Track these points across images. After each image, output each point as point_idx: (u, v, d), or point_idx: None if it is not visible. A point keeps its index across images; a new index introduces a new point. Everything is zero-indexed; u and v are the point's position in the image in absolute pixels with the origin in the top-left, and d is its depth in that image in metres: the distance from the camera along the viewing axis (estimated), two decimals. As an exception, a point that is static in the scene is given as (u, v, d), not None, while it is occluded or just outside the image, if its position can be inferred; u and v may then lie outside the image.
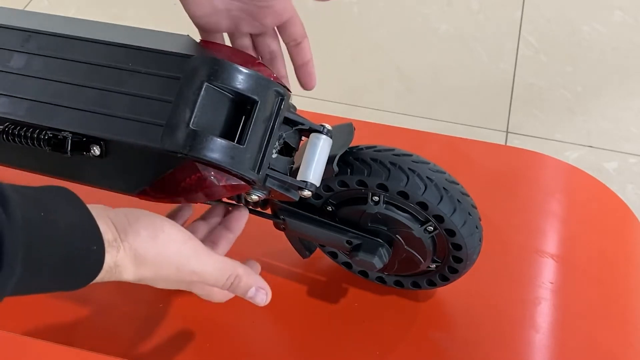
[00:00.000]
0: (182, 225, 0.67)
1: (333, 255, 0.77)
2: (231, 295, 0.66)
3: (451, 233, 0.68)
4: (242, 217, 0.70)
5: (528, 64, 1.81)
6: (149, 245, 0.57)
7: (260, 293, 0.63)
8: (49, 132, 0.63)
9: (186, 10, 0.68)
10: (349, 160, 0.67)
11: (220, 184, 0.60)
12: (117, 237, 0.56)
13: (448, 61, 1.82)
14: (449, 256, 0.70)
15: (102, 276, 0.55)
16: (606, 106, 1.72)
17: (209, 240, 0.68)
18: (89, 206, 0.56)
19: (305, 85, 0.71)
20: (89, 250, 0.53)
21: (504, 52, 1.84)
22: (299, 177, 0.63)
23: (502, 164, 0.93)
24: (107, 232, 0.55)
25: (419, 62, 1.82)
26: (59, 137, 0.62)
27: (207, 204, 0.70)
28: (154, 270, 0.58)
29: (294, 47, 0.70)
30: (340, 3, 1.98)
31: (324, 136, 0.64)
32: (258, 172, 0.60)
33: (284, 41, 0.71)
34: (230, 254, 0.65)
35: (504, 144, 1.60)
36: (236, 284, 0.62)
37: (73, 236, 0.52)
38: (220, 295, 0.65)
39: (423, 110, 1.71)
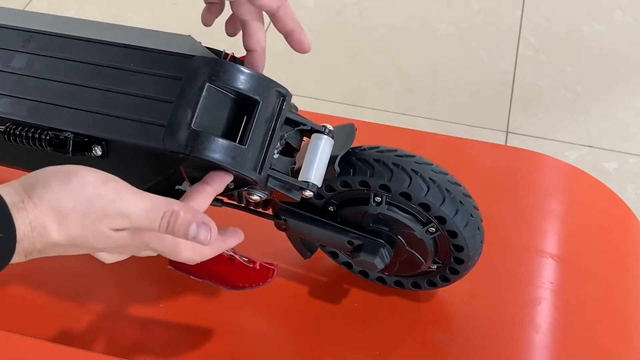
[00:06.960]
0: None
1: (333, 255, 0.77)
2: (121, 257, 0.58)
3: (453, 234, 0.68)
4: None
5: (528, 64, 1.81)
6: (61, 194, 0.51)
7: (203, 229, 0.53)
8: (50, 132, 0.63)
9: None
10: (351, 161, 0.67)
11: None
12: (23, 197, 0.51)
13: (448, 61, 1.82)
14: (450, 257, 0.70)
15: (25, 247, 0.51)
16: (606, 106, 1.72)
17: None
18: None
19: (298, 51, 0.68)
20: None
21: (504, 52, 1.84)
22: (300, 178, 0.63)
23: (502, 164, 0.93)
24: (12, 195, 0.51)
25: (419, 62, 1.82)
26: (60, 137, 0.62)
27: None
28: (79, 222, 0.52)
29: (272, 18, 0.66)
30: (340, 3, 1.98)
31: (325, 136, 0.64)
32: (260, 172, 0.60)
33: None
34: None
35: (504, 144, 1.60)
36: (173, 222, 0.53)
37: None
38: (108, 256, 0.58)
39: (423, 110, 1.71)
